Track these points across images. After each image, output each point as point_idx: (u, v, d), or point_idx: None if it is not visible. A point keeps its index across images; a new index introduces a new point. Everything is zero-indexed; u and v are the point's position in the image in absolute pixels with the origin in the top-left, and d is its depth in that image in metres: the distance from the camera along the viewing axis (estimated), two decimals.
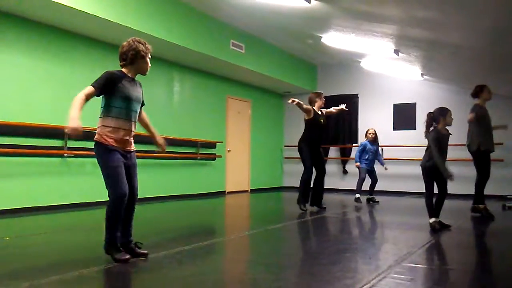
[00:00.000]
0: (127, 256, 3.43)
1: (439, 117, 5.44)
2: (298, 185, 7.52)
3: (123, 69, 3.60)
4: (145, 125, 3.93)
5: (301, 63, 12.06)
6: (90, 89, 3.37)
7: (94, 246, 3.36)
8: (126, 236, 3.62)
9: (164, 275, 3.22)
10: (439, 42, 7.37)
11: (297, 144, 7.60)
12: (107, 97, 3.47)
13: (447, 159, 5.47)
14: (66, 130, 3.31)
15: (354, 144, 12.13)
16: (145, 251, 3.64)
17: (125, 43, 3.59)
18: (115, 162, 3.44)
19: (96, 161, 3.53)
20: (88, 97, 3.36)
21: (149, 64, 3.68)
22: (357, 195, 8.63)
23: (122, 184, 3.43)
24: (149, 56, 3.65)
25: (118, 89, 3.46)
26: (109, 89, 3.43)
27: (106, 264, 3.43)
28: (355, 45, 8.93)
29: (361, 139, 12.00)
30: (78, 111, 3.27)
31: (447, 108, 5.49)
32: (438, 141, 5.33)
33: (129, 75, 3.59)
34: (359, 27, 7.53)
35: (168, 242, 4.53)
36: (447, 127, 5.48)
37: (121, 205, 3.43)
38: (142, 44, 3.58)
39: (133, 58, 3.54)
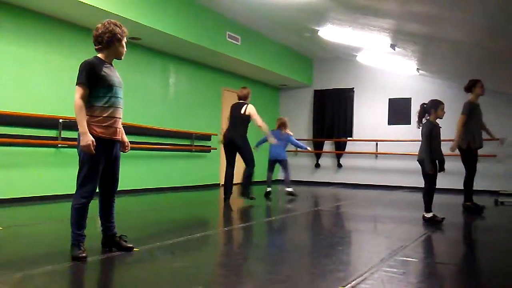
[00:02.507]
0: (83, 255, 3.23)
1: (430, 109, 5.47)
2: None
3: (99, 55, 3.45)
4: None
5: (297, 57, 12.03)
6: (81, 90, 3.27)
7: (87, 236, 3.35)
8: (110, 229, 3.56)
9: (157, 267, 3.23)
10: (436, 37, 7.37)
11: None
12: (92, 87, 3.32)
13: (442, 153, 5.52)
14: (80, 148, 3.24)
15: (349, 138, 12.16)
16: (131, 245, 3.58)
17: (99, 25, 3.42)
18: (95, 159, 3.31)
19: (77, 151, 3.38)
20: (84, 99, 3.28)
21: (125, 48, 3.52)
22: (291, 189, 8.34)
23: (91, 186, 3.33)
24: (125, 40, 3.50)
25: (101, 77, 3.33)
26: (93, 79, 3.31)
27: (99, 254, 3.43)
28: (352, 39, 8.92)
29: (356, 133, 12.08)
30: (85, 123, 3.23)
31: (440, 101, 5.51)
32: (430, 133, 5.36)
33: (106, 60, 3.45)
34: (356, 21, 7.51)
35: (161, 234, 4.54)
36: (438, 120, 5.51)
37: (84, 206, 3.32)
38: (118, 26, 3.42)
39: (110, 41, 3.39)
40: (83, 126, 3.23)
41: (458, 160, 6.68)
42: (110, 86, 3.38)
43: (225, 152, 7.30)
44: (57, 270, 3.03)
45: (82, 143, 3.22)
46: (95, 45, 3.46)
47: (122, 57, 3.55)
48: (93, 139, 3.24)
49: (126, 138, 3.67)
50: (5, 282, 2.72)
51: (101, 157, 3.37)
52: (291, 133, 8.58)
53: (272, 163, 8.51)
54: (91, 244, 3.48)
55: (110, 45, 3.42)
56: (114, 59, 3.54)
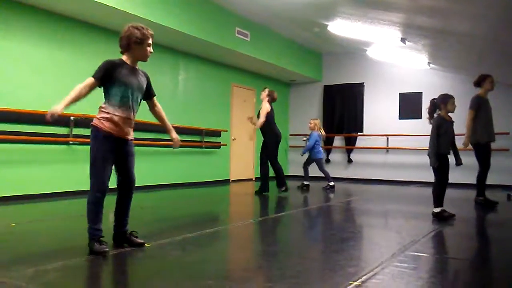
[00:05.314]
0: (106, 249, 3.30)
1: (440, 104, 5.42)
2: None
3: (122, 57, 3.55)
4: (160, 118, 3.90)
5: (306, 52, 11.99)
6: (90, 80, 3.38)
7: None
8: (121, 226, 3.60)
9: (168, 262, 3.25)
10: (447, 31, 7.29)
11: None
12: (108, 85, 3.43)
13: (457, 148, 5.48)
14: (50, 115, 3.28)
15: (359, 133, 12.10)
16: (142, 241, 3.61)
17: (124, 29, 3.55)
18: (105, 154, 3.38)
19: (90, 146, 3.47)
20: (88, 88, 3.36)
21: (149, 50, 3.57)
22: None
23: (103, 180, 3.37)
24: (149, 42, 3.54)
25: (116, 77, 3.41)
26: (108, 77, 3.40)
27: (111, 250, 3.46)
28: (362, 33, 8.86)
29: (367, 128, 12.02)
30: (70, 99, 3.32)
31: (450, 95, 5.45)
32: (438, 128, 5.31)
33: (129, 62, 3.52)
34: (366, 15, 7.46)
35: (172, 229, 4.56)
36: (450, 115, 5.45)
37: (98, 200, 3.37)
38: (138, 29, 3.48)
39: (128, 45, 3.48)
40: (65, 101, 3.30)
41: (470, 154, 6.62)
42: (125, 86, 3.44)
43: (277, 149, 8.04)
44: (69, 265, 3.06)
45: (52, 110, 3.24)
46: (120, 48, 3.57)
47: (147, 59, 3.61)
48: (58, 112, 3.26)
49: (175, 135, 3.95)
50: (18, 277, 2.75)
51: (110, 153, 3.42)
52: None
53: (316, 162, 9.29)
54: (103, 239, 3.50)
55: (129, 48, 3.51)
56: (140, 61, 3.61)
